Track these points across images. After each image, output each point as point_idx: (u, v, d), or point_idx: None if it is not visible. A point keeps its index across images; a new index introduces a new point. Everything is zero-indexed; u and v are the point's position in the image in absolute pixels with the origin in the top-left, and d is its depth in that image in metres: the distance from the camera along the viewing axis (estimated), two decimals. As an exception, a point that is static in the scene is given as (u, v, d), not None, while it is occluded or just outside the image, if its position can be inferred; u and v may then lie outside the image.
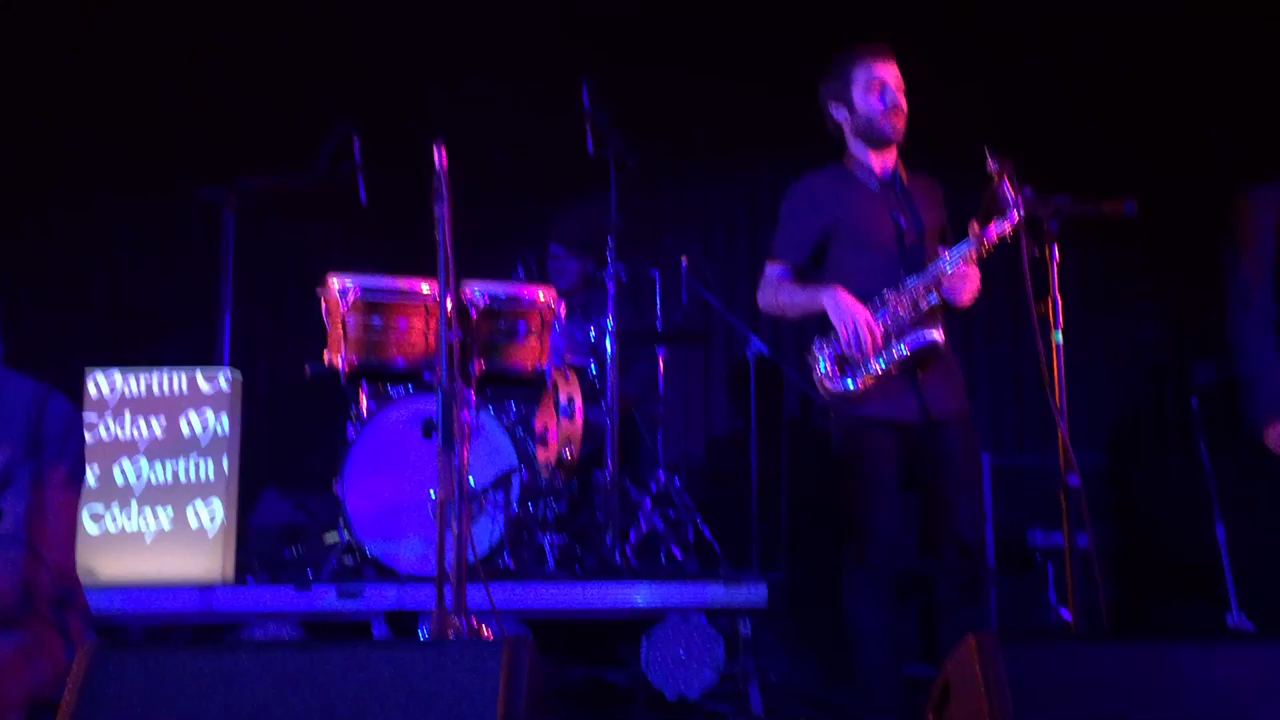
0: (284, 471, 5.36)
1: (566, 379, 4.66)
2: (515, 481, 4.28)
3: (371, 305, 3.89)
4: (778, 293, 3.64)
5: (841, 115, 3.61)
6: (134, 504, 4.01)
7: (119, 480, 4.01)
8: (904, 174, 3.65)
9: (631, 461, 5.15)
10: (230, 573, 4.06)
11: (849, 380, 3.42)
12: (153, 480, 4.03)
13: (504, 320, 4.01)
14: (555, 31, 5.90)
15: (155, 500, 4.02)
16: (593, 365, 5.03)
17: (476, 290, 3.97)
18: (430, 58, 6.00)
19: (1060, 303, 3.01)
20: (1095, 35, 5.76)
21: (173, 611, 3.92)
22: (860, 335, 3.36)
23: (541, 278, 5.33)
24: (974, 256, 3.38)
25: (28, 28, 5.63)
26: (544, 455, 4.62)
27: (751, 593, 3.95)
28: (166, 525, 4.01)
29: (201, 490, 4.02)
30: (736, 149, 6.36)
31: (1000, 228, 3.29)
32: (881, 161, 3.60)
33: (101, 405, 4.03)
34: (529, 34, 5.93)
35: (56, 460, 2.55)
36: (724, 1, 6.02)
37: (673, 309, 5.33)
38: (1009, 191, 3.18)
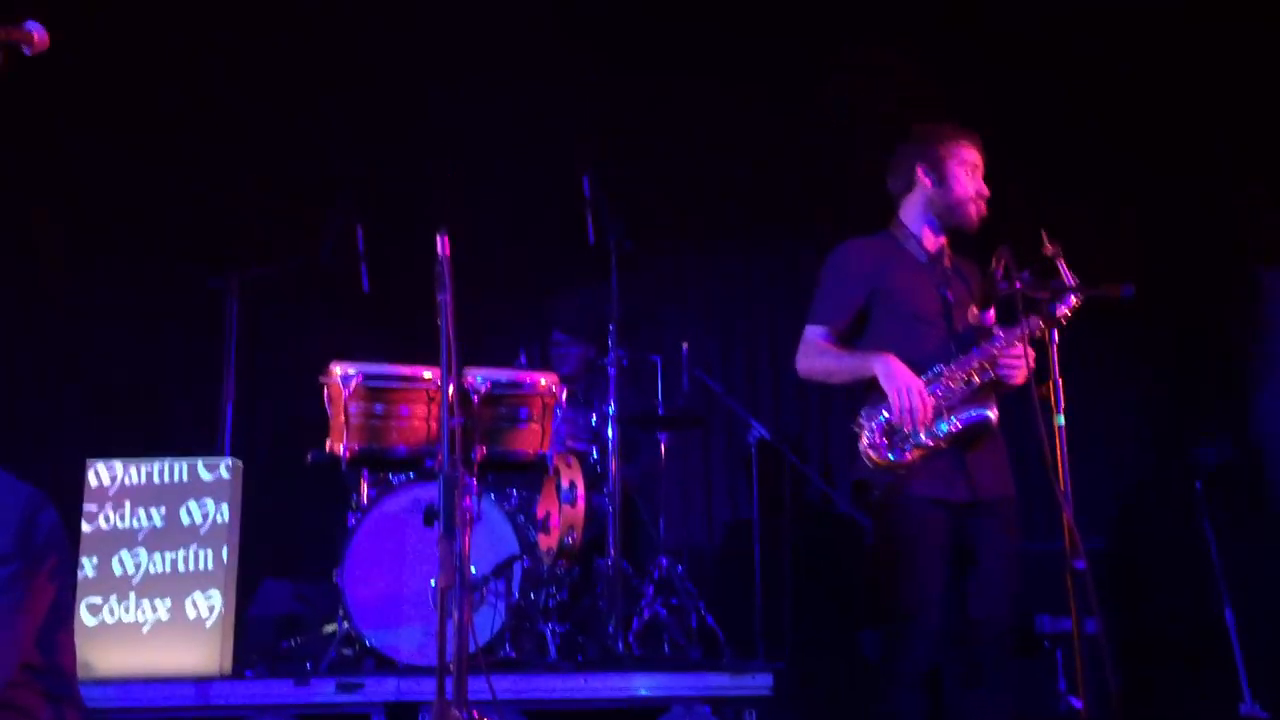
0: (283, 561, 5.32)
1: (569, 464, 4.65)
2: (517, 569, 4.24)
3: (374, 392, 3.89)
4: (821, 356, 3.50)
5: (926, 182, 3.49)
6: (132, 595, 3.97)
7: (117, 571, 3.97)
8: (948, 254, 3.57)
9: (633, 547, 5.12)
10: (228, 664, 4.00)
11: (897, 451, 3.30)
12: (151, 570, 4.00)
13: (506, 406, 4.02)
14: (556, 118, 6.00)
15: (153, 591, 3.98)
16: (594, 451, 5.02)
17: (478, 376, 3.98)
18: (433, 146, 6.10)
19: (1061, 385, 3.02)
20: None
21: (169, 706, 3.85)
22: (914, 405, 3.24)
23: (544, 364, 5.35)
24: (1024, 338, 3.27)
25: (31, 102, 5.71)
26: (546, 542, 4.58)
27: (756, 682, 3.89)
28: (164, 616, 3.96)
29: (200, 581, 3.98)
30: (734, 236, 6.44)
31: (1063, 309, 3.28)
32: (935, 239, 3.52)
33: (101, 495, 4.01)
34: (530, 121, 6.04)
35: (44, 565, 2.54)
36: (721, 83, 6.13)
37: (674, 394, 5.34)
38: (1067, 274, 3.19)
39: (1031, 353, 3.35)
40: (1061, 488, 2.96)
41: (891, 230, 3.57)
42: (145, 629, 3.95)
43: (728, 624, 4.83)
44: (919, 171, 3.50)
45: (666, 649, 4.74)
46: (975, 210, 3.46)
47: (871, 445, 3.33)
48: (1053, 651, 4.65)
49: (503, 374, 4.06)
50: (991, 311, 3.31)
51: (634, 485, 5.23)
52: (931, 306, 3.44)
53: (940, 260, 3.52)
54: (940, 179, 3.47)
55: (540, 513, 4.67)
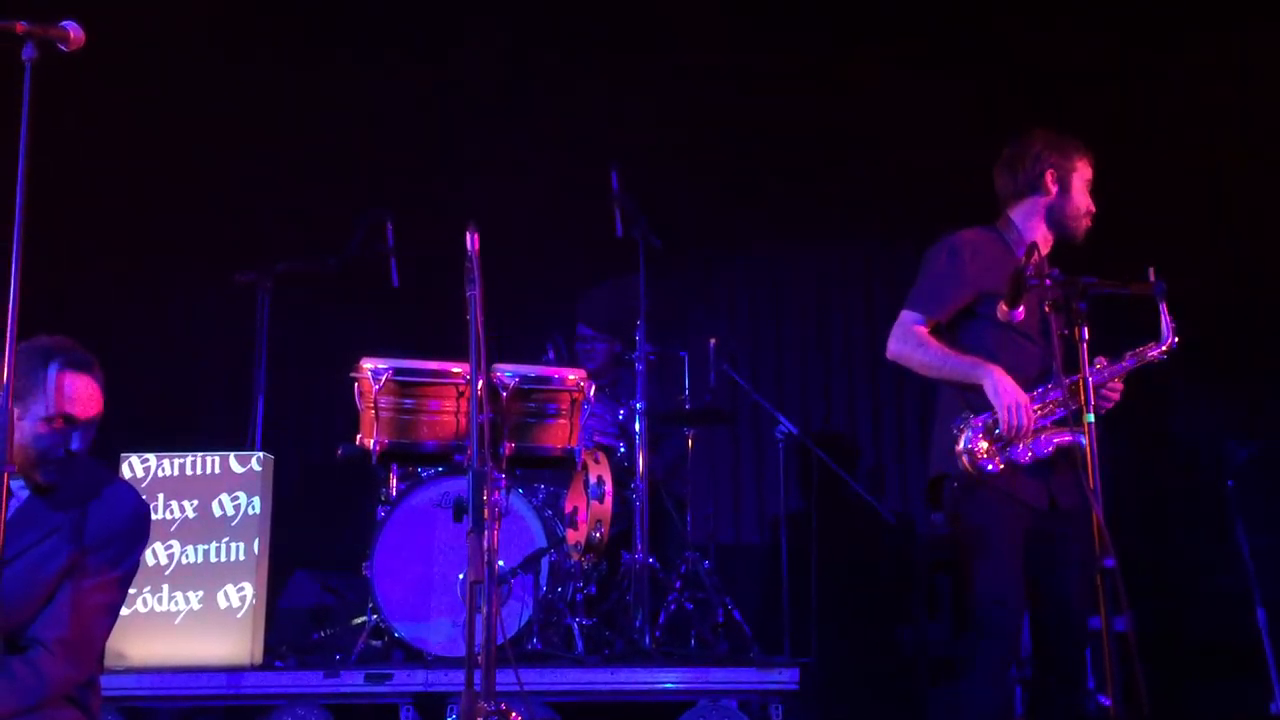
0: (313, 553, 5.36)
1: (596, 460, 4.67)
2: (544, 563, 4.26)
3: (404, 387, 3.92)
4: (921, 348, 3.41)
5: (1050, 187, 3.47)
6: (165, 586, 4.02)
7: (150, 562, 4.03)
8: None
9: (660, 542, 5.13)
10: (259, 654, 4.05)
11: (994, 461, 3.30)
12: (184, 561, 4.05)
13: (534, 401, 4.04)
14: (585, 114, 6.01)
15: (186, 582, 4.03)
16: (621, 446, 5.03)
17: (507, 372, 4.00)
18: (462, 143, 6.12)
19: (1091, 383, 3.00)
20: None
21: (201, 694, 3.91)
22: (1022, 423, 3.24)
23: (571, 359, 5.36)
24: (1124, 371, 3.38)
25: (61, 96, 5.78)
26: (573, 537, 4.60)
27: (783, 677, 3.90)
28: (197, 607, 4.01)
29: (232, 572, 4.03)
30: (761, 234, 6.43)
31: (1157, 350, 3.32)
32: (1047, 250, 3.45)
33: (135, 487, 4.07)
34: (559, 118, 6.05)
35: (115, 561, 2.69)
36: (749, 85, 6.12)
37: (701, 389, 5.34)
38: (1167, 318, 3.22)
39: (1121, 388, 3.39)
40: (1091, 486, 2.94)
41: (1001, 229, 3.52)
42: (178, 619, 4.01)
43: (754, 619, 4.84)
44: (1048, 177, 3.46)
45: (693, 644, 4.76)
46: (1084, 224, 3.50)
47: (972, 450, 3.31)
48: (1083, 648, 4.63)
49: (531, 370, 4.08)
50: (1021, 310, 3.28)
51: (660, 480, 5.24)
52: (1033, 319, 3.37)
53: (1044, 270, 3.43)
54: (1065, 188, 3.46)
55: (568, 507, 4.69)
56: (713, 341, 5.29)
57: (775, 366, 6.35)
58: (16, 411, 2.53)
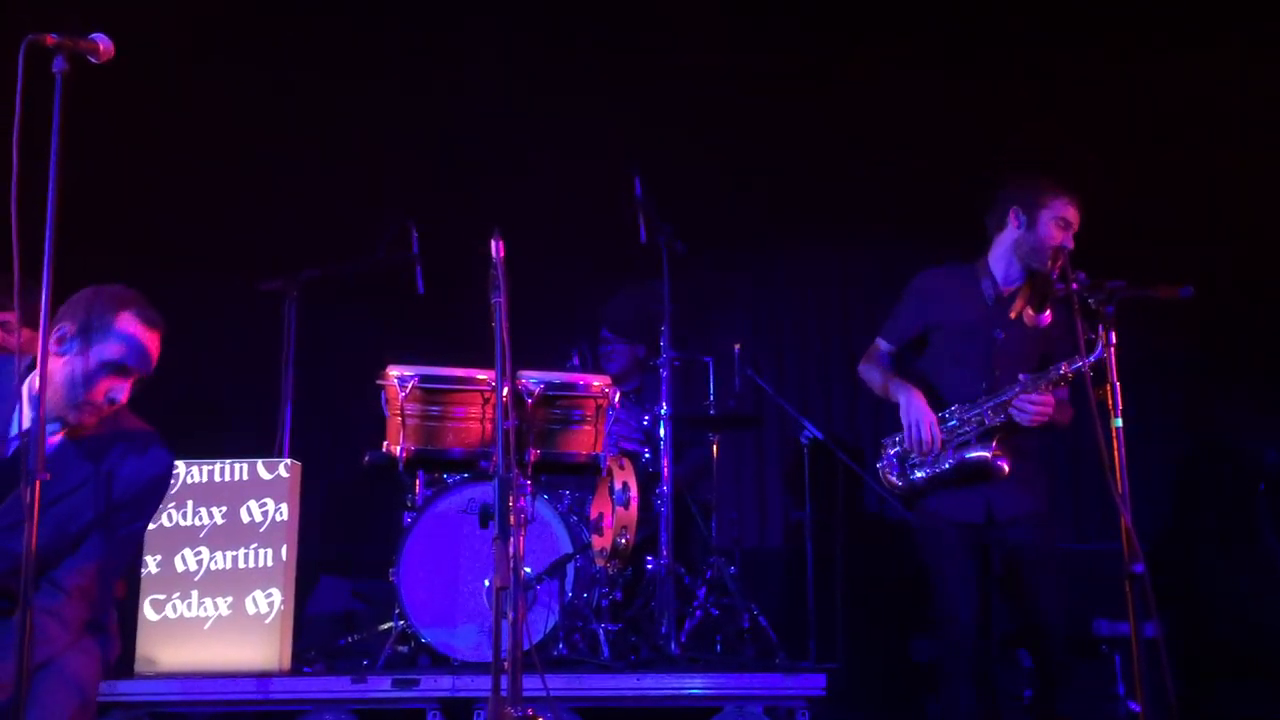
0: (340, 559, 5.39)
1: (621, 466, 4.67)
2: (570, 569, 4.27)
3: (430, 394, 3.93)
4: (872, 368, 3.92)
5: (1015, 223, 3.70)
6: (194, 592, 4.05)
7: (180, 568, 4.06)
8: (1023, 297, 3.70)
9: (685, 548, 5.13)
10: (287, 660, 4.07)
11: (903, 477, 3.69)
12: (213, 567, 4.08)
13: (559, 408, 4.04)
14: (608, 121, 6.02)
15: (215, 588, 4.06)
16: (646, 451, 5.03)
17: (532, 378, 4.01)
18: (485, 149, 6.14)
19: (1119, 387, 2.99)
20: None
21: (230, 699, 3.93)
22: (922, 438, 3.60)
23: (595, 365, 5.37)
24: (1048, 385, 3.53)
25: (86, 112, 5.83)
26: (599, 542, 4.61)
27: (809, 682, 3.89)
28: (226, 612, 4.04)
29: (260, 578, 4.06)
30: (786, 239, 6.43)
31: (1081, 364, 3.36)
32: (1013, 281, 3.72)
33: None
34: (582, 123, 6.06)
35: (141, 515, 2.81)
36: (772, 91, 6.11)
37: (726, 394, 5.34)
38: (1103, 333, 3.24)
39: (1050, 399, 3.45)
40: (1119, 491, 2.93)
41: (976, 265, 3.80)
42: (207, 625, 4.04)
43: (780, 624, 4.83)
44: (1011, 215, 3.69)
45: (719, 649, 4.75)
46: (1053, 264, 3.55)
47: (884, 467, 3.77)
48: (1111, 655, 4.60)
49: (556, 376, 4.08)
50: (1048, 314, 3.30)
51: (685, 485, 5.24)
52: (978, 347, 3.69)
53: (1009, 302, 3.68)
54: (1031, 224, 3.66)
55: (594, 513, 4.70)
56: (737, 346, 5.28)
57: (799, 371, 6.34)
58: (76, 347, 2.58)
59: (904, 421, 3.66)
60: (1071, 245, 3.60)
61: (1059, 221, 3.62)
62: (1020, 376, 3.58)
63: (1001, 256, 3.75)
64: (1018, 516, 3.63)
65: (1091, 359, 3.31)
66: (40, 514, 2.38)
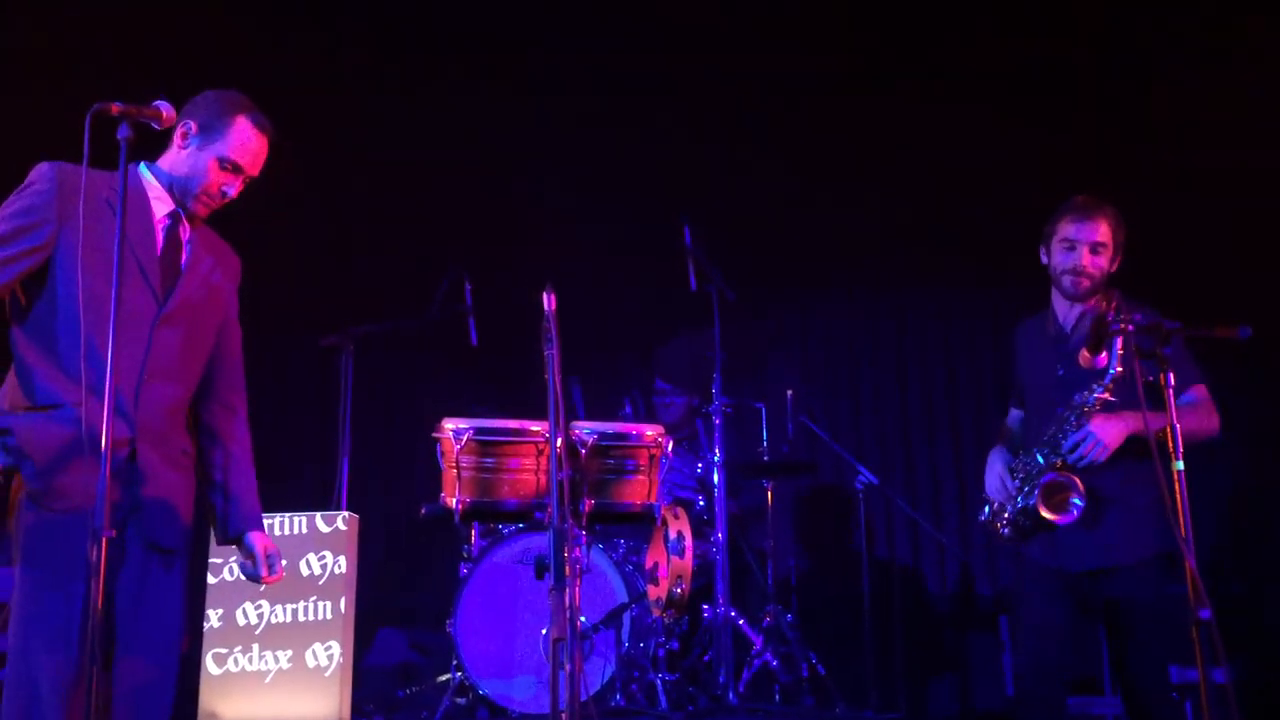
0: (398, 611, 5.41)
1: (676, 515, 4.67)
2: (626, 619, 4.27)
3: (485, 446, 3.97)
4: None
5: (1045, 260, 3.69)
6: (255, 645, 4.09)
7: (240, 621, 4.11)
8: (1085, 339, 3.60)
9: (741, 595, 5.10)
10: (346, 712, 4.09)
11: (1001, 528, 3.60)
12: (273, 621, 4.12)
13: (613, 458, 4.06)
14: (656, 172, 6.06)
15: (275, 641, 4.10)
16: (700, 499, 5.03)
17: (586, 429, 4.03)
18: (536, 202, 6.21)
19: (1179, 429, 2.94)
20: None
21: (292, 753, 3.96)
22: (995, 491, 3.59)
23: (648, 414, 5.39)
24: (1080, 417, 3.40)
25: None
26: (654, 592, 4.60)
27: (870, 733, 3.85)
28: (286, 665, 4.07)
29: (320, 631, 4.09)
30: (838, 281, 6.42)
31: (1097, 391, 3.35)
32: (1070, 311, 3.65)
33: (226, 549, 4.15)
34: (631, 173, 6.11)
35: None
36: (821, 134, 6.13)
37: (779, 441, 5.32)
38: (1117, 350, 3.22)
39: (1108, 425, 3.36)
40: (1183, 534, 2.87)
41: (1048, 309, 3.76)
42: (268, 678, 4.07)
43: (840, 673, 4.78)
44: (1041, 253, 3.68)
45: (778, 699, 4.71)
46: (1070, 283, 3.55)
47: (986, 523, 3.69)
48: (1182, 702, 4.49)
49: (609, 426, 4.11)
50: (1104, 355, 3.25)
51: (740, 533, 5.22)
52: (1046, 388, 3.61)
53: (1069, 336, 3.62)
54: (1050, 255, 3.63)
55: (649, 563, 4.69)
56: (790, 392, 5.27)
57: (853, 416, 6.31)
58: (197, 144, 2.78)
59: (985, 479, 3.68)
60: (1087, 264, 3.51)
61: (1063, 244, 3.57)
62: (1056, 410, 3.49)
63: (1054, 295, 3.71)
64: (1125, 564, 3.43)
65: (1108, 380, 3.29)
66: (192, 286, 2.74)
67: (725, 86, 6.10)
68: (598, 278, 5.85)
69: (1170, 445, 2.93)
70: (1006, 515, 3.57)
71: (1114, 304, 3.15)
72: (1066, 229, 3.57)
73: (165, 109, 2.61)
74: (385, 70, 6.19)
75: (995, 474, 3.60)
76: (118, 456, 2.57)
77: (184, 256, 2.79)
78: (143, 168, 2.83)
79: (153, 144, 2.81)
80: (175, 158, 2.81)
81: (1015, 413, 3.86)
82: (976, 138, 5.84)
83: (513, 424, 4.06)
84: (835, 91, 6.05)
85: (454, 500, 3.95)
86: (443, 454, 4.16)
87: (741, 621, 4.70)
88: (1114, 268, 3.60)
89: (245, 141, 2.81)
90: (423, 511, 4.31)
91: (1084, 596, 3.48)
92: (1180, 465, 2.92)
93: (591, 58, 6.05)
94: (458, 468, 3.97)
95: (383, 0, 6.14)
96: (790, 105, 6.12)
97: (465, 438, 4.00)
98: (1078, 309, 3.63)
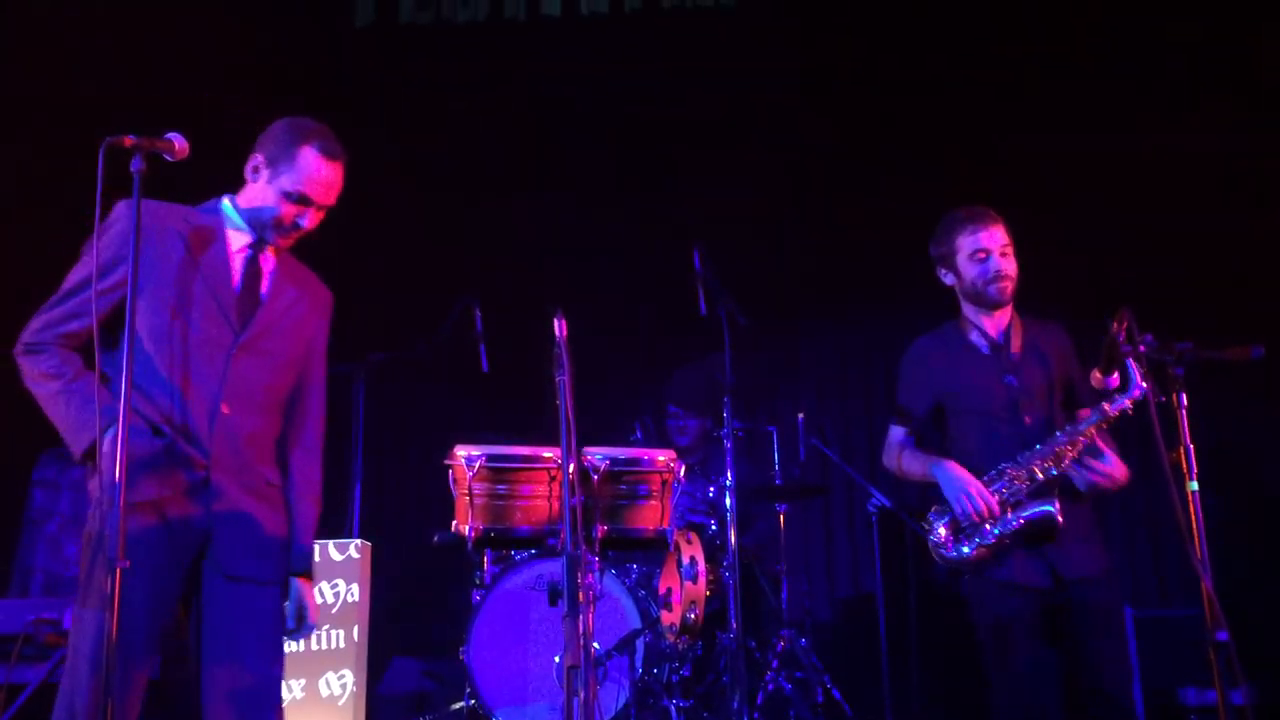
0: (411, 639, 5.40)
1: (689, 540, 4.66)
2: (639, 645, 4.25)
3: (497, 472, 3.96)
4: (899, 457, 3.67)
5: (950, 280, 3.63)
6: (268, 675, 4.07)
7: (254, 651, 4.09)
8: (1019, 329, 3.61)
9: (755, 620, 5.08)
10: (360, 742, 4.08)
11: (964, 548, 3.42)
12: (286, 650, 4.10)
13: (625, 483, 4.04)
14: (666, 193, 6.08)
15: (289, 670, 4.05)
16: (712, 523, 5.01)
17: (598, 454, 4.03)
18: (545, 228, 6.23)
19: (1193, 450, 2.93)
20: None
21: (305, 783, 3.94)
22: (975, 504, 3.36)
23: (660, 438, 5.38)
24: (1093, 432, 3.36)
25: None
26: (668, 618, 4.58)
27: (887, 758, 3.82)
28: (299, 695, 4.07)
29: (333, 660, 4.08)
30: (849, 303, 6.41)
31: (1122, 403, 3.28)
32: (995, 322, 3.58)
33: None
34: (640, 198, 6.13)
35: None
36: (831, 158, 6.15)
37: (791, 464, 5.31)
38: (1134, 369, 3.15)
39: (1115, 465, 3.34)
40: (1198, 555, 2.86)
41: (958, 322, 3.66)
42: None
43: (855, 697, 4.75)
44: (940, 272, 3.63)
45: (792, 724, 4.68)
46: (997, 291, 3.51)
47: (939, 543, 3.45)
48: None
49: (621, 452, 4.09)
50: (1116, 376, 3.24)
51: (753, 557, 5.20)
52: (998, 399, 3.50)
53: (1007, 346, 3.55)
54: (957, 273, 3.58)
55: (662, 588, 4.68)
56: (800, 415, 5.27)
57: (866, 439, 6.29)
58: (265, 176, 2.79)
59: (948, 494, 3.41)
60: (1005, 267, 3.49)
61: (974, 257, 3.51)
62: (1065, 425, 3.42)
63: (971, 312, 3.61)
64: (1086, 577, 3.38)
65: (1134, 399, 3.22)
66: (275, 315, 2.78)
67: (737, 112, 6.12)
68: (607, 301, 5.86)
69: (1185, 466, 2.92)
70: (973, 533, 3.38)
71: (1125, 325, 3.13)
72: (971, 241, 3.53)
73: (178, 141, 2.63)
74: (396, 95, 6.23)
75: (974, 487, 3.36)
76: (191, 482, 2.60)
77: (264, 287, 2.80)
78: (225, 201, 2.85)
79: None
80: (249, 191, 2.83)
81: (900, 431, 3.67)
82: (991, 167, 5.86)
83: (525, 450, 4.06)
84: (851, 116, 6.08)
85: (467, 527, 3.94)
86: (455, 481, 4.15)
87: (755, 646, 4.68)
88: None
89: (311, 173, 2.79)
90: (435, 539, 4.31)
91: (1051, 617, 3.37)
92: (1194, 486, 2.91)
93: (602, 81, 6.09)
94: (470, 494, 3.96)
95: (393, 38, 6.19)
96: (804, 132, 6.14)
97: (477, 464, 3.99)
98: (1001, 316, 3.57)
